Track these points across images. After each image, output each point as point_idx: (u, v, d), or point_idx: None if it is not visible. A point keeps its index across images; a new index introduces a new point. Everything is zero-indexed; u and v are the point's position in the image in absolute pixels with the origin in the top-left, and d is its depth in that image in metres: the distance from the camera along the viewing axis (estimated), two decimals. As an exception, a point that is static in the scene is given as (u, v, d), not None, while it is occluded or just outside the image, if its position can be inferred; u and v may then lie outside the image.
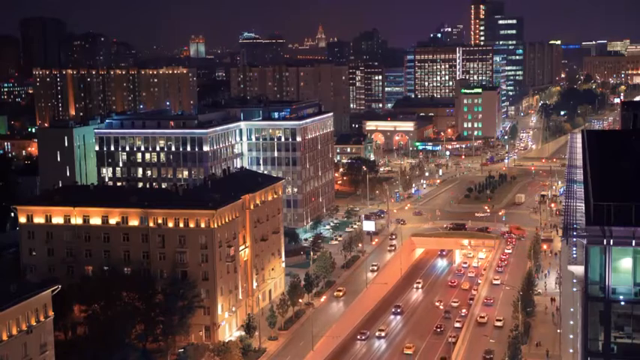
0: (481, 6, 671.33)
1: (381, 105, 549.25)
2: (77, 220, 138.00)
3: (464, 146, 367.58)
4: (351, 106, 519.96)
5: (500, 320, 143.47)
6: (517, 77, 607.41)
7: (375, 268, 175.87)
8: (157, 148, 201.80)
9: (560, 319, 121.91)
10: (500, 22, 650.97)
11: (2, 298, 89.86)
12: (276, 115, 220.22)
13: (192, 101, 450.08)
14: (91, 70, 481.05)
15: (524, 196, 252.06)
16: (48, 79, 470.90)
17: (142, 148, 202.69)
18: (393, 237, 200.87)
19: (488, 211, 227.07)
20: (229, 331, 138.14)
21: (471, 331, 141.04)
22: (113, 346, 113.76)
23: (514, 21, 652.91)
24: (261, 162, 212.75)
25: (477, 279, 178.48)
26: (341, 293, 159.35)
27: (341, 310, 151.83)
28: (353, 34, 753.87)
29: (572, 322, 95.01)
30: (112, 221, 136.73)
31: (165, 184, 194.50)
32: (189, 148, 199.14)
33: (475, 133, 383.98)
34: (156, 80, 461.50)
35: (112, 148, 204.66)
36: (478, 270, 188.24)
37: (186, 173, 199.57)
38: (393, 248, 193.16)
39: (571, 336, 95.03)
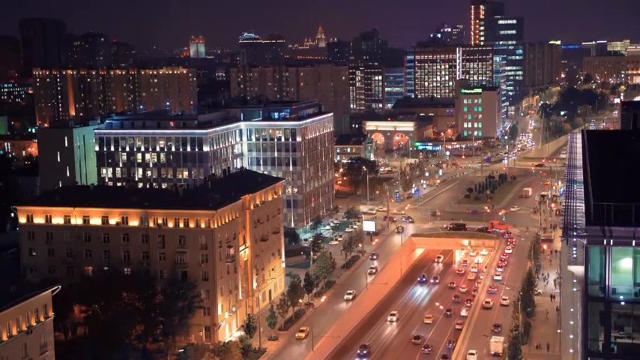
0: (481, 6, 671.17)
1: (381, 105, 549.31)
2: (77, 221, 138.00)
3: (464, 146, 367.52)
4: (351, 106, 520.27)
5: (506, 299, 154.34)
6: (517, 77, 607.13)
7: (350, 297, 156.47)
8: (157, 149, 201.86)
9: (561, 319, 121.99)
10: (500, 22, 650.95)
11: (2, 299, 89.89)
12: (276, 115, 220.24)
13: (192, 101, 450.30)
14: (91, 71, 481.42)
15: (531, 190, 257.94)
16: (48, 80, 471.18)
17: (142, 149, 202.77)
18: (375, 257, 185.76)
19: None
20: (229, 331, 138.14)
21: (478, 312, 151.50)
22: (113, 346, 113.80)
23: (514, 21, 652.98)
24: (261, 162, 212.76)
25: (480, 274, 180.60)
26: (303, 335, 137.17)
27: (342, 310, 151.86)
28: (353, 34, 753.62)
29: (572, 322, 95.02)
30: (112, 221, 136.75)
31: (165, 184, 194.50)
32: (189, 149, 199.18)
33: (475, 133, 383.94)
34: (156, 80, 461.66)
35: (112, 149, 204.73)
36: (480, 267, 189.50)
37: (186, 173, 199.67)
38: (374, 271, 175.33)
39: (571, 336, 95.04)
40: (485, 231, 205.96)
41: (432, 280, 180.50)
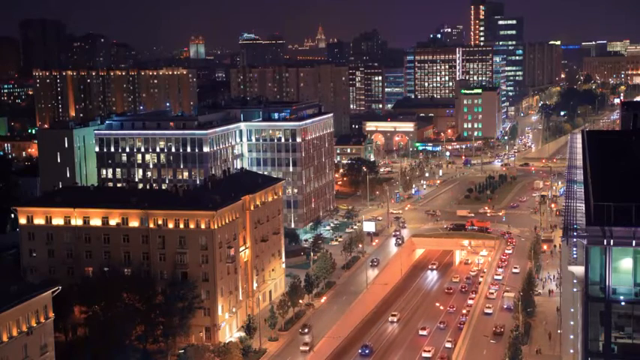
0: (481, 6, 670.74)
1: (381, 105, 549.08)
2: (77, 222, 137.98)
3: (464, 147, 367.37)
4: (351, 106, 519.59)
5: (517, 267, 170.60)
6: (517, 77, 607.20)
7: None
8: (157, 149, 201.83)
9: (561, 319, 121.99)
10: (500, 22, 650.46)
11: (2, 300, 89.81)
12: (276, 116, 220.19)
13: (192, 102, 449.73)
14: (90, 71, 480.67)
15: (542, 182, 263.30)
16: (48, 81, 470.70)
17: (142, 149, 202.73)
18: (306, 330, 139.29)
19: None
20: (229, 332, 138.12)
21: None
22: (113, 347, 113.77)
23: (514, 21, 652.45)
24: (261, 163, 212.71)
25: (483, 269, 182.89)
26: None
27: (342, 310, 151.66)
28: (353, 35, 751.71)
29: (572, 323, 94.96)
30: (113, 222, 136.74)
31: (165, 185, 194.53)
32: (189, 149, 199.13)
33: (475, 133, 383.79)
34: (156, 81, 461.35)
35: (112, 149, 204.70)
36: (481, 266, 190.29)
37: (186, 174, 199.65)
38: (307, 349, 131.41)
39: (571, 336, 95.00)
40: (485, 231, 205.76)
41: None
